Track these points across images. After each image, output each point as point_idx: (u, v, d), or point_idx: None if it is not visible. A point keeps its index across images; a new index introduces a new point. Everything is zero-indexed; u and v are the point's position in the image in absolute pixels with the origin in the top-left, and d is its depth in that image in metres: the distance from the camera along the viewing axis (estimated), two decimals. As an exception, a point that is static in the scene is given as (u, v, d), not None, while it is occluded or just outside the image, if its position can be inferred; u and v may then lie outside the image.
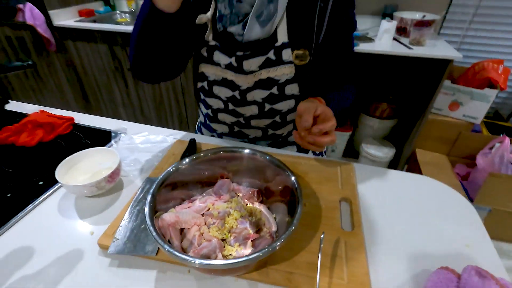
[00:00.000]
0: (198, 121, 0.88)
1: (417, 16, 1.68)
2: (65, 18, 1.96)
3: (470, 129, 1.65)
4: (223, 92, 0.66)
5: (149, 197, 0.42)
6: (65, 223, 0.52)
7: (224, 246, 0.43)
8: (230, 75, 0.62)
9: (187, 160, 0.49)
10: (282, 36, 0.57)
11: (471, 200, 1.46)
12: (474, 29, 1.77)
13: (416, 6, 1.78)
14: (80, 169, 0.59)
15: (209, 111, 0.73)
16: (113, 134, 0.75)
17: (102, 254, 0.46)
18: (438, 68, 1.51)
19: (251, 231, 0.44)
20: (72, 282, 0.42)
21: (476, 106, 1.57)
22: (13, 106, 0.85)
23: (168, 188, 0.47)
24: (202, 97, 0.72)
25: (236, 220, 0.44)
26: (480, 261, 0.47)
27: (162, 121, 2.18)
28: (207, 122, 0.79)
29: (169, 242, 0.40)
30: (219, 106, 0.69)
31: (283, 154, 0.68)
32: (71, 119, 0.79)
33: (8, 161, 0.66)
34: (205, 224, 0.45)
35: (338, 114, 0.55)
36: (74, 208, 0.55)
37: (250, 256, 0.34)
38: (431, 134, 1.72)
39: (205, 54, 0.63)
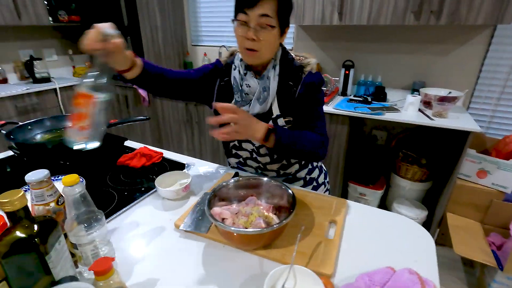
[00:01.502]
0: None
1: (443, 92, 1.91)
2: (158, 83, 2.64)
3: (502, 198, 1.68)
4: (248, 146, 0.99)
5: (208, 197, 0.74)
6: (156, 212, 0.86)
7: (246, 231, 0.71)
8: None
9: (231, 181, 0.81)
10: (276, 110, 0.91)
11: (502, 269, 1.46)
12: (504, 105, 1.91)
13: (444, 83, 2.02)
14: (167, 182, 0.96)
15: (241, 159, 1.05)
16: (186, 165, 1.13)
17: (175, 230, 0.78)
18: (463, 139, 1.66)
19: (263, 224, 0.72)
20: (157, 243, 0.74)
21: (504, 176, 1.64)
22: (128, 143, 1.31)
23: (218, 198, 0.79)
24: (234, 151, 1.05)
25: (255, 217, 0.73)
26: (421, 272, 0.66)
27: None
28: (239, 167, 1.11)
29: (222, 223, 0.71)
30: (247, 156, 1.02)
31: (296, 188, 0.96)
32: (161, 153, 1.20)
33: (125, 175, 1.06)
34: (237, 218, 0.75)
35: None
36: (161, 205, 0.90)
37: (256, 229, 0.62)
38: (461, 199, 1.78)
39: None
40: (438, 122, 1.65)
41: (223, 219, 0.74)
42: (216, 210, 0.74)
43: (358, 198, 2.19)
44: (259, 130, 0.76)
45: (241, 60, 0.90)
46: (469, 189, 1.74)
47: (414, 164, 2.07)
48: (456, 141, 1.80)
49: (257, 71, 0.90)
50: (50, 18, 2.72)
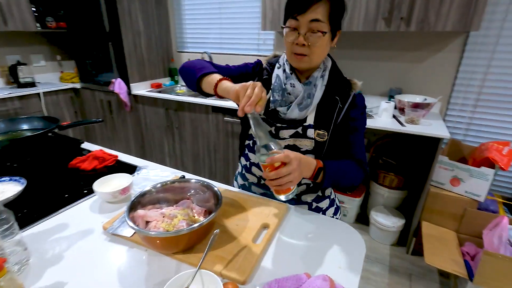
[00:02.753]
0: (237, 171, 1.11)
1: (418, 99, 1.90)
2: (141, 88, 2.66)
3: (476, 206, 1.64)
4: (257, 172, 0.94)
5: (130, 202, 0.72)
6: (90, 214, 0.85)
7: (167, 235, 0.69)
8: None
9: (159, 184, 0.80)
10: (310, 120, 0.85)
11: (471, 280, 1.41)
12: (480, 112, 1.89)
13: (420, 90, 2.01)
14: (110, 185, 0.94)
15: (247, 163, 0.98)
16: (137, 168, 1.11)
17: (103, 233, 0.76)
18: (436, 145, 1.64)
19: (184, 227, 0.70)
20: (80, 246, 0.72)
21: (476, 184, 1.60)
22: (85, 145, 1.31)
23: (147, 200, 0.77)
24: (246, 151, 0.98)
25: (179, 220, 0.71)
26: (340, 280, 0.63)
27: (196, 171, 2.59)
28: (243, 172, 1.03)
29: (137, 227, 0.69)
30: (255, 160, 0.95)
31: (233, 191, 0.95)
32: (116, 156, 1.19)
33: (74, 178, 1.05)
34: (162, 220, 0.73)
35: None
36: (98, 208, 0.88)
37: (166, 232, 0.60)
38: (435, 207, 1.75)
39: None
40: (409, 129, 1.63)
41: (147, 222, 0.73)
42: (140, 212, 0.72)
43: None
44: (310, 171, 0.75)
45: (287, 60, 0.86)
46: (443, 197, 1.71)
47: (391, 172, 2.05)
48: (431, 148, 1.77)
49: (302, 76, 0.86)
50: (38, 24, 2.76)
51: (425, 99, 1.89)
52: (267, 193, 0.98)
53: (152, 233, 0.64)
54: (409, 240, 1.89)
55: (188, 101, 2.32)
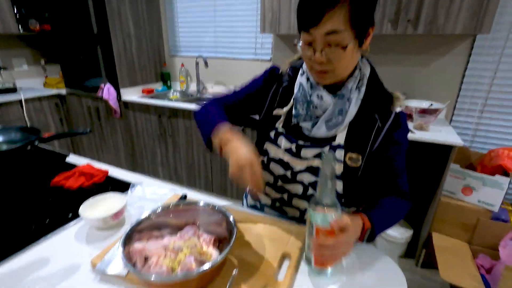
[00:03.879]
0: (247, 188, 0.94)
1: (424, 104, 1.83)
2: (131, 94, 2.51)
3: (489, 216, 1.57)
4: (277, 170, 0.79)
5: (127, 231, 0.60)
6: (75, 245, 0.71)
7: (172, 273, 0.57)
8: (287, 158, 0.76)
9: (159, 209, 0.67)
10: (340, 139, 0.70)
11: (491, 296, 1.33)
12: (487, 117, 1.83)
13: (425, 95, 1.94)
14: (99, 208, 0.81)
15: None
16: (131, 185, 0.98)
17: (91, 271, 0.63)
18: (446, 153, 1.56)
19: (193, 265, 0.57)
20: (68, 286, 0.59)
21: (490, 193, 1.53)
22: (71, 159, 1.16)
23: (146, 228, 0.64)
24: None
25: (185, 255, 0.59)
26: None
27: (190, 181, 2.45)
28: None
29: (134, 265, 0.56)
30: (269, 180, 0.82)
31: (242, 211, 0.83)
32: (106, 172, 1.06)
33: (56, 198, 0.91)
34: (165, 255, 0.60)
35: (379, 234, 0.66)
36: (85, 236, 0.75)
37: (175, 276, 0.48)
38: (447, 218, 1.67)
39: (272, 136, 0.78)
40: (419, 136, 1.55)
41: (146, 257, 0.60)
42: (137, 246, 0.60)
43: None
44: (357, 234, 0.61)
45: None
46: (454, 207, 1.63)
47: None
48: (439, 155, 1.69)
49: (332, 87, 0.70)
50: (20, 27, 2.59)
51: (431, 104, 1.82)
52: (283, 199, 0.84)
53: (154, 276, 0.51)
54: (418, 252, 1.80)
55: (183, 107, 2.19)
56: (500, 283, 1.26)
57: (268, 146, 0.80)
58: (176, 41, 2.78)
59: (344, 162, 0.70)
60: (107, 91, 2.38)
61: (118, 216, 0.76)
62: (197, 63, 2.59)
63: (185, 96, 2.68)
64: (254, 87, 0.85)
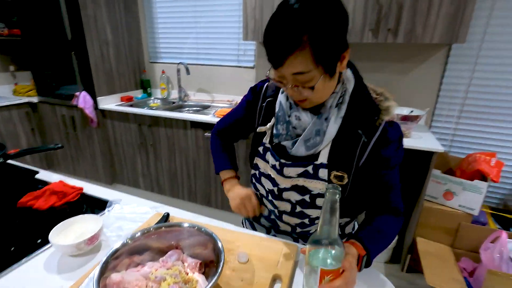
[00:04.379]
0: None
1: (405, 111, 1.86)
2: (109, 102, 2.41)
3: (470, 220, 1.61)
4: (267, 184, 0.78)
5: (102, 262, 0.54)
6: (45, 276, 0.64)
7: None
8: (273, 174, 0.75)
9: (139, 233, 0.62)
10: (323, 158, 0.67)
11: (475, 300, 1.35)
12: (464, 123, 1.90)
13: (405, 102, 1.98)
14: (72, 232, 0.74)
15: (258, 193, 0.85)
16: (108, 203, 0.91)
17: (62, 305, 0.57)
18: (428, 158, 1.59)
19: (178, 297, 0.53)
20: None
21: (470, 197, 1.57)
22: (42, 175, 1.08)
23: (124, 255, 0.59)
24: (253, 181, 0.86)
25: (168, 285, 0.54)
26: None
27: (173, 191, 2.37)
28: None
29: (111, 299, 0.51)
30: (263, 193, 0.82)
31: (241, 232, 0.79)
32: (81, 189, 0.98)
33: (24, 221, 0.83)
34: (146, 286, 0.55)
35: (374, 257, 0.62)
36: (56, 264, 0.68)
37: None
38: (430, 222, 1.70)
39: (261, 151, 0.78)
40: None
41: (124, 289, 0.55)
42: (114, 278, 0.54)
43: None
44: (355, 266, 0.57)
45: None
46: (436, 212, 1.66)
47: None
48: (420, 161, 1.73)
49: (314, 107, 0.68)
50: (-14, 31, 2.43)
51: (412, 111, 1.86)
52: (277, 228, 0.85)
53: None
54: (403, 257, 1.82)
55: (164, 116, 2.12)
56: (484, 287, 1.29)
57: (258, 161, 0.80)
58: (156, 47, 2.71)
59: (329, 181, 0.68)
60: (83, 99, 2.27)
61: (93, 240, 0.70)
62: (178, 70, 2.53)
63: (167, 103, 2.61)
64: (247, 104, 0.86)
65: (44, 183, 1.02)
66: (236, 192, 0.82)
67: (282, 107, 0.71)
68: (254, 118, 0.83)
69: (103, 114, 2.37)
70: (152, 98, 2.72)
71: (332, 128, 0.66)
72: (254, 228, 0.94)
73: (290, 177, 0.72)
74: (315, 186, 0.70)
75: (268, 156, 0.76)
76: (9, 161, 0.93)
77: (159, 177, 2.39)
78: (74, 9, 2.08)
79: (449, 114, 1.92)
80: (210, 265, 0.63)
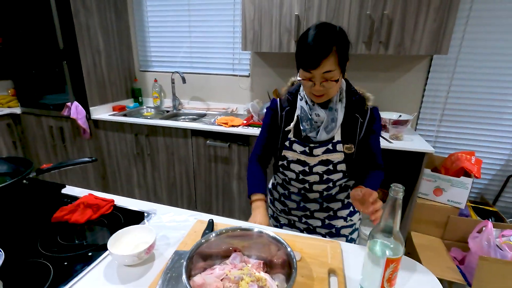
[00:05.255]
0: (271, 182, 1.24)
1: (394, 116, 2.03)
2: (102, 112, 2.35)
3: (457, 213, 1.79)
4: (297, 167, 1.03)
5: (185, 263, 0.57)
6: (110, 286, 0.65)
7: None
8: (303, 157, 1.00)
9: (213, 234, 0.66)
10: (337, 137, 0.97)
11: (469, 285, 1.50)
12: (445, 125, 2.10)
13: (394, 108, 2.15)
14: (123, 243, 0.75)
15: (286, 178, 1.08)
16: (145, 214, 0.93)
17: (140, 312, 0.59)
18: (418, 159, 1.75)
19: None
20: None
21: (457, 192, 1.75)
22: (67, 190, 1.06)
23: (196, 257, 0.62)
24: (281, 170, 1.08)
25: (247, 283, 0.59)
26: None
27: (172, 202, 2.35)
28: (284, 183, 1.11)
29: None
30: (291, 177, 1.06)
31: (284, 233, 0.84)
32: (112, 201, 0.98)
33: (64, 235, 0.82)
34: (223, 287, 0.59)
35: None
36: (117, 275, 0.69)
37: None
38: (422, 217, 1.85)
39: (288, 144, 1.02)
40: (397, 145, 1.72)
41: (206, 291, 0.58)
42: (197, 280, 0.57)
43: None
44: None
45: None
46: (428, 207, 1.82)
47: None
48: (412, 161, 1.89)
49: (323, 103, 0.94)
50: (-39, 39, 2.28)
51: (400, 116, 2.03)
52: (306, 197, 1.07)
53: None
54: (398, 251, 1.96)
55: (163, 124, 2.11)
56: (476, 272, 1.44)
57: (286, 152, 1.04)
58: (147, 56, 2.69)
59: (344, 152, 0.97)
60: (75, 110, 2.20)
61: (150, 249, 0.72)
62: (173, 79, 2.53)
63: (160, 112, 2.59)
64: (266, 129, 1.08)
65: (71, 197, 1.01)
66: (257, 218, 0.95)
67: (304, 109, 0.97)
68: (279, 129, 1.05)
69: (96, 124, 2.31)
70: (145, 107, 2.68)
71: (340, 115, 0.95)
72: (285, 205, 1.13)
73: (317, 155, 0.98)
74: (335, 157, 0.98)
75: (295, 146, 1.00)
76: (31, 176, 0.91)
77: (156, 187, 2.36)
78: (66, 17, 2.03)
79: (432, 118, 2.12)
80: (272, 265, 0.68)
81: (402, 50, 1.76)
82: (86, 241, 0.80)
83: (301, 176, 1.04)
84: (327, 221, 1.09)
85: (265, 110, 2.05)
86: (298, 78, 0.91)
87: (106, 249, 0.70)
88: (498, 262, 1.40)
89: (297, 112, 0.99)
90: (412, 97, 2.12)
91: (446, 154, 2.03)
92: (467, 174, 1.78)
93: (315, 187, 1.04)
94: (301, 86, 0.98)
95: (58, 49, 2.11)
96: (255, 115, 2.12)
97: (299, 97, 0.99)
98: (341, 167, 1.00)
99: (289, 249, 0.62)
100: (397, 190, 0.56)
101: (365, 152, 0.99)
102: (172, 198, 2.34)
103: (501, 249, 1.49)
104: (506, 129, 1.99)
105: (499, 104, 1.96)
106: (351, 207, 1.11)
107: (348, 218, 1.10)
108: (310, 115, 0.96)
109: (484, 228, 1.59)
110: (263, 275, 0.65)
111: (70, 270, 0.69)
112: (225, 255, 0.70)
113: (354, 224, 1.13)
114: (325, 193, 1.05)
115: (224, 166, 2.10)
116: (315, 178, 1.02)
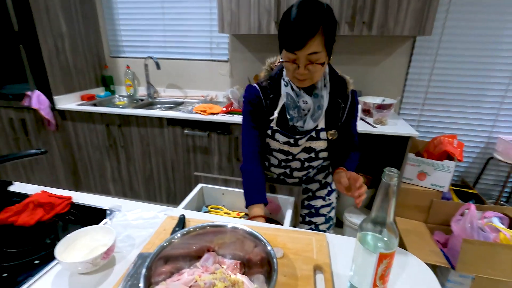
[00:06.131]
0: None
1: (378, 100, 1.98)
2: (68, 102, 2.16)
3: (440, 197, 1.78)
4: (279, 156, 1.00)
5: (143, 271, 0.48)
6: (58, 301, 0.55)
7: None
8: (286, 147, 0.96)
9: (178, 234, 0.56)
10: (321, 124, 0.93)
11: (453, 268, 1.50)
12: (427, 109, 2.08)
13: (378, 92, 2.11)
14: (77, 247, 0.64)
15: (266, 164, 1.07)
16: (108, 211, 0.82)
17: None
18: (401, 143, 1.72)
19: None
20: None
21: (440, 176, 1.74)
22: (16, 187, 0.92)
23: (160, 261, 0.53)
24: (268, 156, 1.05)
25: (220, 290, 0.50)
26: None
27: (150, 196, 2.22)
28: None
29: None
30: (274, 162, 1.04)
31: (264, 227, 0.76)
32: (69, 198, 0.86)
33: (8, 240, 0.70)
34: (193, 295, 0.50)
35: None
36: (68, 285, 0.58)
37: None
38: (406, 202, 1.83)
39: (270, 133, 0.96)
40: (381, 129, 1.67)
41: (170, 302, 0.49)
42: (159, 290, 0.48)
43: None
44: None
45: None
46: (412, 192, 1.81)
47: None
48: (396, 146, 1.86)
49: (307, 88, 0.88)
50: None
51: (384, 100, 1.99)
52: (286, 173, 1.05)
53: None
54: (383, 236, 1.95)
55: (136, 114, 1.97)
56: (460, 255, 1.43)
57: (268, 141, 0.99)
58: (118, 40, 2.49)
59: (328, 139, 0.94)
60: (37, 100, 2.00)
61: (109, 253, 0.62)
62: (146, 65, 2.36)
63: (134, 101, 2.43)
64: (251, 117, 0.96)
65: (21, 195, 0.88)
66: (252, 209, 0.88)
67: (291, 96, 0.89)
68: (263, 116, 0.96)
69: (63, 115, 2.12)
70: (117, 96, 2.51)
71: (325, 102, 0.90)
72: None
73: (300, 145, 0.94)
74: (318, 144, 0.95)
75: (278, 136, 0.94)
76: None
77: (132, 181, 2.22)
78: (20, -5, 1.81)
79: (415, 102, 2.09)
80: (250, 264, 0.59)
81: (386, 30, 1.70)
82: (34, 247, 0.68)
83: (283, 163, 1.02)
84: (306, 202, 1.12)
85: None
86: (281, 60, 0.83)
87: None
88: (482, 244, 1.40)
89: (283, 99, 0.90)
90: (395, 81, 2.08)
91: (428, 138, 2.01)
92: (449, 157, 1.77)
93: (295, 173, 1.04)
94: (283, 70, 0.90)
95: (12, 31, 1.89)
96: (235, 101, 2.01)
97: (282, 82, 0.90)
98: (323, 154, 0.98)
99: (269, 248, 0.53)
100: (391, 175, 0.49)
101: (344, 135, 0.98)
102: (150, 191, 2.22)
103: (483, 231, 1.49)
104: (486, 111, 2.00)
105: (480, 86, 1.95)
106: (329, 187, 1.13)
107: (327, 197, 1.12)
108: (298, 103, 0.88)
109: (467, 211, 1.58)
110: (240, 277, 0.56)
111: (10, 283, 0.58)
112: (197, 256, 0.61)
113: (332, 202, 1.15)
114: (304, 178, 1.07)
115: (203, 157, 1.99)
116: (296, 164, 1.01)
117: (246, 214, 0.95)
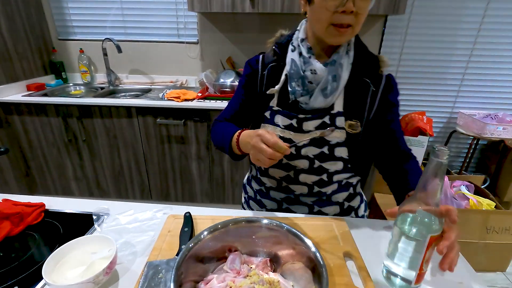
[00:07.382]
0: (249, 175, 0.93)
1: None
2: (12, 93, 1.86)
3: (414, 170, 1.88)
4: (280, 173, 0.75)
5: (173, 275, 0.39)
6: (55, 335, 0.44)
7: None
8: (287, 134, 0.73)
9: (205, 233, 0.48)
10: (338, 107, 0.70)
11: (431, 235, 1.61)
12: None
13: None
14: (68, 264, 0.53)
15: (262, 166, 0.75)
16: (94, 217, 0.69)
17: None
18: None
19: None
20: None
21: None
22: (-35, 197, 0.74)
23: (186, 265, 0.45)
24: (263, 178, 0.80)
25: (261, 294, 0.44)
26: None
27: (121, 193, 2.04)
28: (258, 175, 0.83)
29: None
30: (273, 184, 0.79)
31: (280, 216, 0.71)
32: (42, 205, 0.72)
33: (-33, 266, 0.55)
34: (230, 305, 0.43)
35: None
36: (64, 313, 0.48)
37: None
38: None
39: (268, 116, 0.75)
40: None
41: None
42: (194, 306, 0.40)
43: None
44: None
45: (302, 40, 0.70)
46: (389, 168, 1.88)
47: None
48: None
49: (321, 54, 0.70)
50: None
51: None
52: (290, 197, 0.80)
53: None
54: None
55: (99, 103, 1.75)
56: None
57: (265, 127, 0.76)
58: (67, 20, 2.17)
59: (346, 130, 0.71)
60: (-29, 91, 1.67)
61: (112, 267, 0.52)
62: (104, 49, 2.10)
63: (93, 89, 2.16)
64: (241, 91, 0.81)
65: (-26, 207, 0.71)
66: (250, 134, 0.62)
67: (295, 63, 0.70)
68: (257, 95, 0.78)
69: (6, 109, 1.82)
70: (71, 84, 2.21)
71: (345, 73, 0.68)
72: (262, 206, 0.85)
73: (308, 131, 0.71)
74: (333, 135, 0.70)
75: (278, 118, 0.73)
76: None
77: (99, 178, 2.01)
78: None
79: (386, 81, 2.15)
80: (278, 260, 0.54)
81: (362, 9, 1.69)
82: (9, 270, 0.55)
83: (284, 161, 0.75)
84: None
85: (222, 80, 1.84)
86: (305, 14, 0.67)
87: (39, 277, 0.47)
88: (458, 212, 1.50)
89: (286, 68, 0.72)
90: (368, 61, 2.11)
91: (400, 116, 2.11)
92: (421, 133, 1.87)
93: (302, 177, 0.75)
94: (293, 38, 0.72)
95: None
96: (210, 86, 1.88)
97: (290, 47, 0.72)
98: (341, 152, 0.71)
99: (313, 249, 0.48)
100: (442, 153, 0.45)
101: (384, 136, 0.72)
102: (120, 189, 2.03)
103: (456, 199, 1.60)
104: (449, 88, 2.13)
105: (443, 64, 2.07)
106: (353, 213, 0.86)
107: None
108: (304, 71, 0.69)
109: (440, 181, 1.70)
110: (273, 276, 0.50)
111: (-16, 320, 0.45)
112: (218, 257, 0.53)
113: None
114: (316, 188, 0.76)
115: (179, 147, 1.86)
116: (304, 163, 0.74)
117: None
